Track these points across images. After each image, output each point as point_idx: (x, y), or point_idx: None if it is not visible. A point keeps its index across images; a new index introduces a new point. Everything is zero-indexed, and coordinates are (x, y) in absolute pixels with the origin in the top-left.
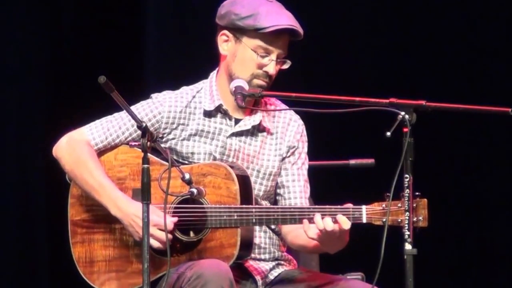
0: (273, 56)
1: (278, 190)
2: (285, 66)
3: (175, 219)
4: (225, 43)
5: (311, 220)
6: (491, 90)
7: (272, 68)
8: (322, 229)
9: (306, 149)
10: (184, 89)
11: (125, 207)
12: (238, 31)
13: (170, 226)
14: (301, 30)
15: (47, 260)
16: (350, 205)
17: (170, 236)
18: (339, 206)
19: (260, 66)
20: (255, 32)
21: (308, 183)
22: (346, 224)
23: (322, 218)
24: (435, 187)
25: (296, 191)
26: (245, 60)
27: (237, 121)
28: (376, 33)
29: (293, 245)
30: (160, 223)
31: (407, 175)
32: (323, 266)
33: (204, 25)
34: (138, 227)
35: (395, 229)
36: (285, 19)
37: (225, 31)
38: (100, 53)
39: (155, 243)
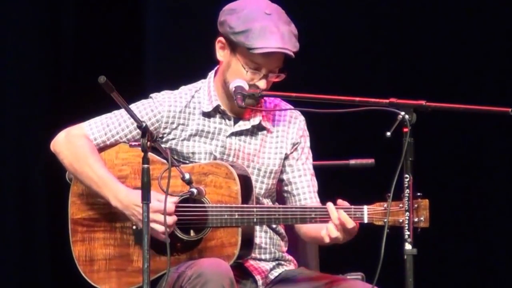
0: (264, 71)
1: (285, 188)
2: (278, 80)
3: (172, 206)
4: (221, 50)
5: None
6: (491, 90)
7: (262, 84)
8: (340, 230)
9: (308, 144)
10: (183, 89)
11: (125, 198)
12: (232, 43)
13: (171, 208)
14: (294, 49)
15: (48, 258)
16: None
17: (172, 220)
18: (340, 206)
19: (251, 81)
20: (246, 49)
21: (315, 177)
22: (349, 223)
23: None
24: (435, 187)
25: (304, 186)
26: (237, 73)
27: (236, 120)
28: (376, 33)
29: (306, 237)
30: (161, 207)
31: (407, 175)
32: (323, 266)
33: (203, 25)
34: (140, 215)
35: (396, 230)
36: (276, 40)
37: (222, 39)
38: (100, 53)
39: (158, 228)
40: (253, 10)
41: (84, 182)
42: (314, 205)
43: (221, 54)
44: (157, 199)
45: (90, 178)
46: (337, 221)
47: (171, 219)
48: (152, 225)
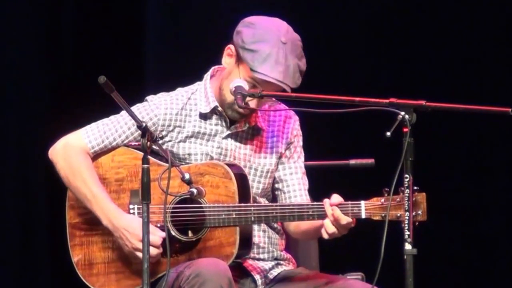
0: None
1: (276, 185)
2: (271, 103)
3: (164, 234)
4: (228, 57)
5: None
6: (491, 90)
7: (253, 103)
8: (336, 229)
9: (301, 143)
10: (179, 90)
11: (116, 221)
12: (239, 56)
13: (157, 242)
14: (293, 86)
15: (48, 262)
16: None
17: (163, 234)
18: (335, 203)
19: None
20: (248, 67)
21: (306, 176)
22: (343, 220)
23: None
24: (435, 187)
25: (295, 184)
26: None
27: (232, 122)
28: (376, 33)
29: (296, 234)
30: (150, 239)
31: (407, 175)
32: (323, 266)
33: (203, 25)
34: (127, 241)
35: (394, 224)
36: (278, 72)
37: (232, 47)
38: (100, 53)
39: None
40: (269, 32)
41: (77, 196)
42: (311, 202)
43: (227, 61)
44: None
45: (84, 194)
46: (332, 217)
47: (155, 251)
48: (137, 253)
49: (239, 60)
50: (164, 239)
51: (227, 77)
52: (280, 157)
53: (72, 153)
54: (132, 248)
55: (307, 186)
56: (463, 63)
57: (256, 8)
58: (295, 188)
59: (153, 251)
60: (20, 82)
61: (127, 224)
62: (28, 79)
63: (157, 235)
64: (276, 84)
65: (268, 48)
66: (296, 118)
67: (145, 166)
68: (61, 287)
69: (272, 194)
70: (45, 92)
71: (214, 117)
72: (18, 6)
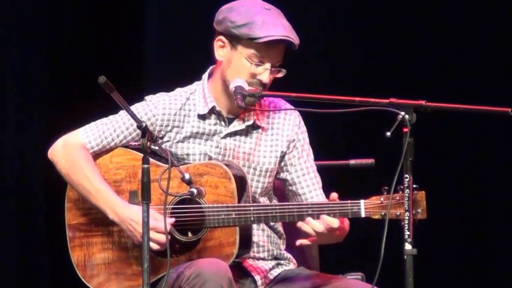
0: (267, 65)
1: (289, 187)
2: (280, 75)
3: (173, 219)
4: (220, 49)
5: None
6: (491, 90)
7: (266, 77)
8: (313, 234)
9: (307, 140)
10: (178, 91)
11: (122, 212)
12: (234, 39)
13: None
14: (296, 41)
15: (47, 264)
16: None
17: (170, 220)
18: (337, 202)
19: (254, 75)
20: (249, 41)
21: (317, 173)
22: (334, 223)
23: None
24: (435, 187)
25: (309, 184)
26: (239, 68)
27: (230, 121)
28: (376, 33)
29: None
30: (157, 226)
31: (407, 175)
32: (323, 266)
33: (203, 26)
34: (136, 231)
35: (394, 224)
36: (280, 30)
37: (221, 37)
38: (100, 53)
39: (153, 246)
40: (252, 6)
41: (81, 193)
42: (310, 201)
43: (220, 53)
44: (154, 217)
45: (88, 190)
46: (312, 232)
47: (162, 238)
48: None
49: (235, 43)
50: (171, 226)
51: (228, 67)
52: (287, 157)
53: (72, 150)
54: (141, 237)
55: (320, 184)
56: (463, 63)
57: None
58: (310, 189)
59: (161, 238)
60: (20, 82)
61: (133, 214)
62: (28, 79)
63: (163, 222)
64: (281, 45)
65: (260, 16)
66: (297, 114)
67: (145, 166)
68: None
69: (287, 196)
70: (45, 92)
71: (213, 117)
72: (19, 6)
